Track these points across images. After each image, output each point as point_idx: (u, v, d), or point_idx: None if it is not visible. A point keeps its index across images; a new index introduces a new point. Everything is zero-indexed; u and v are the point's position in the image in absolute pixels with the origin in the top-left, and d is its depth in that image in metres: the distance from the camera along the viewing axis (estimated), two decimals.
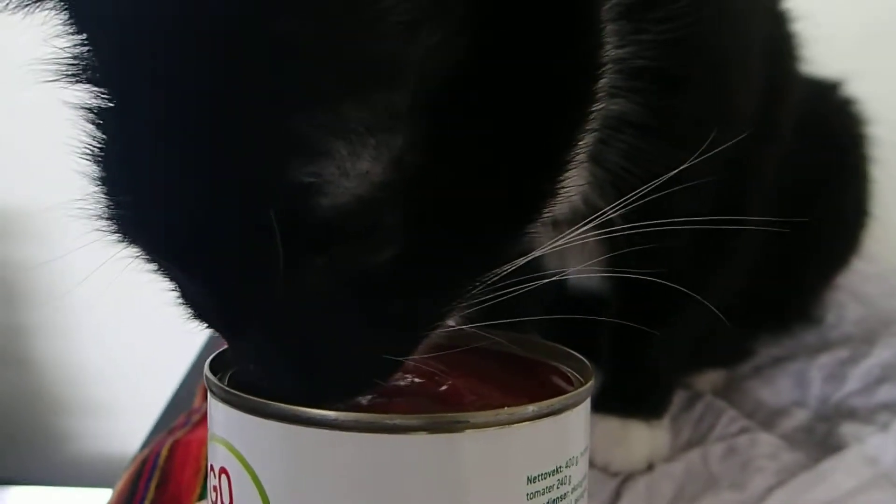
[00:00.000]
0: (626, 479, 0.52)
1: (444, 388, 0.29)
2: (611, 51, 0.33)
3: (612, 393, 0.54)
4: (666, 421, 0.56)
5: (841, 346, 0.68)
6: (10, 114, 1.05)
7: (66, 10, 0.25)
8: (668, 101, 0.39)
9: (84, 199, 0.27)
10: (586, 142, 0.31)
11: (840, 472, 0.51)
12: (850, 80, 0.68)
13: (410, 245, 0.26)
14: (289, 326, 0.25)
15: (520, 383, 0.30)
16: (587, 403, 0.27)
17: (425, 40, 0.24)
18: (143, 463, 0.49)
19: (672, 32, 0.37)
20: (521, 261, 0.30)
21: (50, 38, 0.26)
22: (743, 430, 0.57)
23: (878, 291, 0.79)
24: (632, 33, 0.36)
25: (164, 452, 0.49)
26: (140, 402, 0.95)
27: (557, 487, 0.25)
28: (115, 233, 0.27)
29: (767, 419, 0.61)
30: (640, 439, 0.54)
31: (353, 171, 0.24)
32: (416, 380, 0.30)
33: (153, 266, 0.28)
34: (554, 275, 0.38)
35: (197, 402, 0.66)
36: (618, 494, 0.51)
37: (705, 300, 0.42)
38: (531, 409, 0.24)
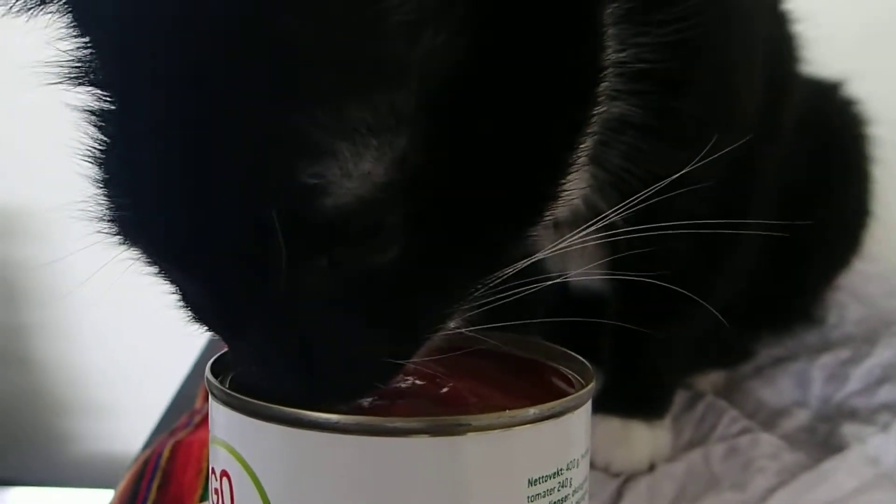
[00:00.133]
0: (628, 479, 0.52)
1: (445, 390, 0.29)
2: (612, 54, 0.33)
3: (613, 393, 0.54)
4: (667, 421, 0.56)
5: (842, 347, 0.68)
6: (13, 115, 1.05)
7: (68, 12, 0.25)
8: (669, 104, 0.39)
9: (85, 201, 0.28)
10: (588, 144, 0.31)
11: (841, 472, 0.51)
12: (850, 80, 0.68)
13: (412, 246, 0.26)
14: (289, 328, 0.25)
15: (521, 385, 0.30)
16: (588, 406, 0.27)
17: (427, 41, 0.24)
18: (145, 464, 0.49)
19: (674, 35, 0.37)
20: (523, 263, 0.30)
21: (52, 40, 0.26)
22: (744, 431, 0.57)
23: (880, 291, 0.79)
24: (633, 36, 0.36)
25: (165, 453, 0.49)
26: (141, 402, 0.95)
27: (559, 490, 0.25)
28: (115, 234, 0.27)
29: (769, 419, 0.61)
30: (641, 440, 0.54)
31: (355, 172, 0.24)
32: (418, 382, 0.30)
33: (154, 268, 0.28)
34: (556, 277, 0.38)
35: (198, 403, 0.66)
36: (619, 495, 0.51)
37: (706, 301, 0.42)
38: (532, 411, 0.25)
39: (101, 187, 0.27)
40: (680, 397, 0.61)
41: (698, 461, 0.54)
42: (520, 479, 0.24)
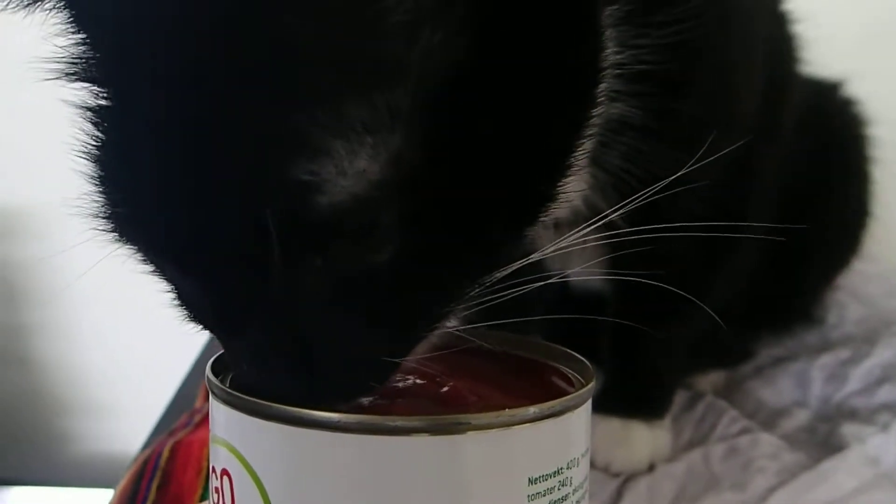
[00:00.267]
0: (628, 479, 0.52)
1: (445, 389, 0.29)
2: (612, 55, 0.33)
3: (613, 393, 0.54)
4: (667, 421, 0.56)
5: (842, 347, 0.68)
6: (12, 114, 1.05)
7: (66, 8, 0.25)
8: (669, 105, 0.39)
9: (82, 198, 0.27)
10: (587, 145, 0.31)
11: (841, 472, 0.51)
12: (850, 80, 0.68)
13: (408, 245, 0.26)
14: (285, 326, 0.25)
15: (521, 385, 0.30)
16: (588, 405, 0.27)
17: (426, 40, 0.24)
18: (145, 463, 0.49)
19: (673, 36, 0.37)
20: (521, 263, 0.30)
21: (49, 36, 0.26)
22: (744, 431, 0.57)
23: (879, 291, 0.79)
24: (633, 38, 0.36)
25: (165, 453, 0.49)
26: (141, 402, 0.95)
27: (559, 489, 0.25)
28: (111, 231, 0.27)
29: (768, 419, 0.61)
30: (641, 440, 0.54)
31: (350, 170, 0.24)
32: (418, 381, 0.30)
33: (149, 266, 0.28)
34: (555, 276, 0.38)
35: (198, 402, 0.66)
36: (619, 495, 0.51)
37: (706, 301, 0.42)
38: (532, 410, 0.25)
39: (98, 184, 0.27)
40: (680, 397, 0.61)
41: (698, 461, 0.54)
42: (520, 477, 0.24)
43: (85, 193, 0.27)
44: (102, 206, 0.27)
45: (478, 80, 0.26)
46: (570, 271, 0.47)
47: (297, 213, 0.23)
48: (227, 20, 0.22)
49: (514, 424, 0.24)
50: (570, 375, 0.30)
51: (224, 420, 0.26)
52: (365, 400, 0.28)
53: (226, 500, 0.25)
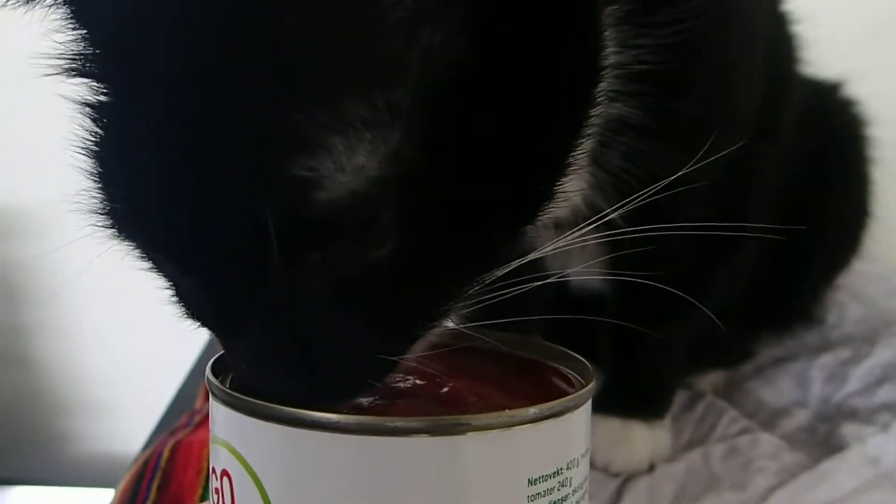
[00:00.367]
0: (628, 479, 0.52)
1: (445, 389, 0.29)
2: (612, 55, 0.33)
3: (612, 393, 0.54)
4: (667, 421, 0.56)
5: (842, 347, 0.68)
6: (12, 114, 1.05)
7: (65, 5, 0.25)
8: (668, 105, 0.39)
9: (80, 194, 0.27)
10: (586, 145, 0.31)
11: (841, 472, 0.51)
12: (850, 80, 0.68)
13: (407, 243, 0.26)
14: (285, 325, 0.25)
15: (521, 385, 0.30)
16: (588, 405, 0.27)
17: (425, 39, 0.24)
18: (145, 464, 0.49)
19: (673, 37, 0.37)
20: (519, 262, 0.30)
21: (49, 33, 0.26)
22: (744, 431, 0.57)
23: (879, 291, 0.79)
24: (633, 38, 0.36)
25: (165, 453, 0.49)
26: (141, 402, 0.95)
27: (559, 489, 0.25)
28: (110, 228, 0.27)
29: (768, 419, 0.61)
30: (641, 440, 0.54)
31: (348, 166, 0.24)
32: (418, 382, 0.30)
33: (148, 263, 0.28)
34: (554, 275, 0.38)
35: (198, 402, 0.66)
36: (619, 495, 0.51)
37: (706, 301, 0.42)
38: (532, 411, 0.25)
39: (97, 180, 0.27)
40: (680, 397, 0.61)
41: (698, 461, 0.54)
42: (520, 478, 0.24)
43: (84, 190, 0.27)
44: (101, 202, 0.27)
45: (478, 78, 0.26)
46: (569, 271, 0.47)
47: (296, 210, 0.23)
48: (226, 19, 0.22)
49: (514, 425, 0.24)
50: (569, 376, 0.30)
51: (224, 421, 0.26)
52: (365, 400, 0.28)
53: (226, 501, 0.25)
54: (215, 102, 0.23)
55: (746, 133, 0.43)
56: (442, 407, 0.28)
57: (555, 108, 0.29)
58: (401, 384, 0.30)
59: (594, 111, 0.30)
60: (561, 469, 0.25)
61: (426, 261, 0.26)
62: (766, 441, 0.56)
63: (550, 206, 0.30)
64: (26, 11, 0.25)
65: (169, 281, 0.28)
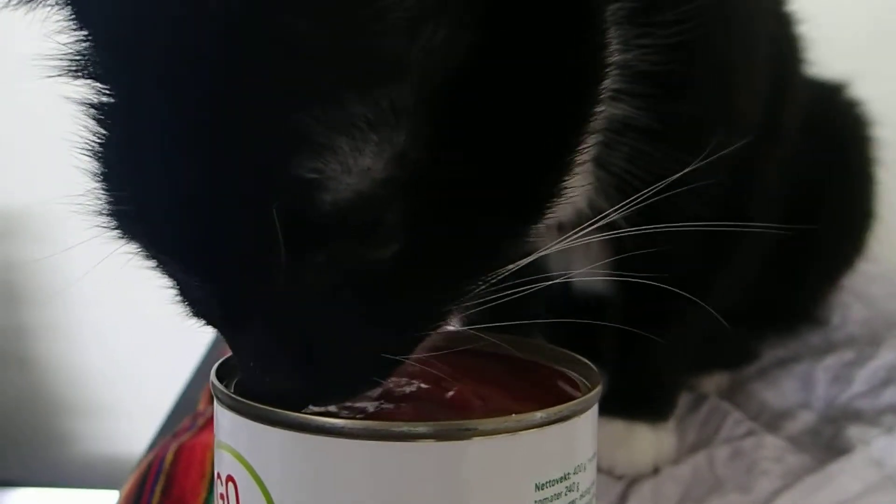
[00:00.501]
0: (632, 482, 0.52)
1: (450, 393, 0.29)
2: (614, 55, 0.33)
3: (616, 395, 0.53)
4: (671, 423, 0.56)
5: (846, 348, 0.68)
6: (13, 114, 1.05)
7: (67, 5, 0.25)
8: (671, 105, 0.39)
9: (83, 195, 0.27)
10: (589, 143, 0.31)
11: (846, 474, 0.50)
12: (855, 81, 0.67)
13: (411, 243, 0.26)
14: (289, 323, 0.25)
15: (526, 389, 0.30)
16: (595, 409, 0.27)
17: (428, 38, 0.24)
18: (149, 467, 0.49)
19: (676, 37, 0.37)
20: (523, 262, 0.30)
21: (51, 34, 0.26)
22: (749, 433, 0.57)
23: (883, 293, 0.78)
24: (635, 38, 0.36)
25: (168, 457, 0.49)
26: (142, 403, 0.95)
27: (566, 494, 0.25)
28: (114, 229, 0.27)
29: (773, 421, 0.61)
30: (645, 442, 0.54)
31: (354, 167, 0.24)
32: (422, 385, 0.30)
33: (152, 263, 0.28)
34: (557, 277, 0.38)
35: (201, 405, 0.66)
36: (623, 497, 0.50)
37: (709, 302, 0.42)
38: (539, 415, 0.24)
39: (100, 181, 0.27)
40: (683, 399, 0.61)
41: (703, 464, 0.53)
42: (527, 483, 0.24)
43: (88, 191, 0.27)
44: (106, 203, 0.27)
45: (481, 77, 0.26)
46: (572, 272, 0.46)
47: (302, 210, 0.23)
48: (227, 19, 0.22)
49: (520, 430, 0.24)
50: (576, 379, 0.30)
51: (229, 426, 0.25)
52: (370, 405, 0.28)
53: None
54: (218, 103, 0.23)
55: (749, 133, 0.43)
56: (447, 411, 0.28)
57: (559, 106, 0.28)
58: (405, 388, 0.30)
59: (598, 109, 0.30)
60: (568, 474, 0.25)
61: (431, 261, 0.26)
62: (771, 443, 0.55)
63: (555, 205, 0.30)
64: (28, 12, 0.25)
65: (173, 280, 0.28)
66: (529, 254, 0.31)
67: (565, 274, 0.46)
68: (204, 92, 0.23)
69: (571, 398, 0.27)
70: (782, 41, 0.54)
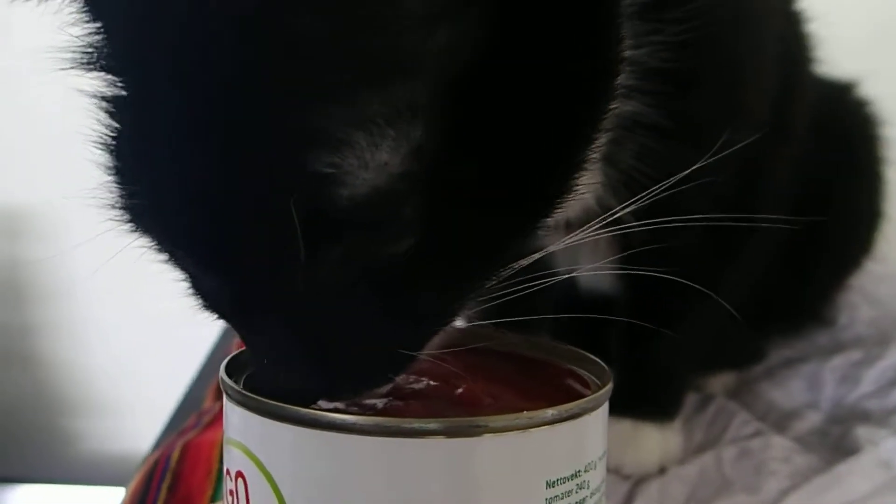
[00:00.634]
0: (639, 481, 0.52)
1: (460, 391, 0.29)
2: (627, 50, 0.33)
3: (623, 394, 0.53)
4: (678, 423, 0.56)
5: (854, 348, 0.67)
6: (17, 113, 1.05)
7: None
8: (681, 102, 0.39)
9: (95, 189, 0.27)
10: (602, 139, 0.31)
11: (854, 475, 0.50)
12: (864, 80, 0.67)
13: (426, 238, 0.26)
14: (304, 318, 0.25)
15: (536, 387, 0.30)
16: (605, 407, 0.27)
17: (444, 34, 0.24)
18: (155, 464, 0.49)
19: (687, 33, 0.37)
20: (535, 257, 0.30)
21: (55, 29, 0.26)
22: (756, 433, 0.57)
23: (891, 293, 0.78)
24: (646, 34, 0.36)
25: (175, 454, 0.49)
26: (147, 401, 0.95)
27: (576, 492, 0.25)
28: (128, 223, 0.27)
29: (780, 421, 0.60)
30: (651, 441, 0.54)
31: (372, 163, 0.24)
32: (432, 383, 0.30)
33: (164, 257, 0.28)
34: (565, 273, 0.38)
35: (207, 402, 0.66)
36: (630, 497, 0.50)
37: (718, 299, 0.42)
38: (550, 413, 0.24)
39: (114, 174, 0.27)
40: (690, 399, 0.60)
41: (710, 464, 0.53)
42: (537, 481, 0.24)
43: (100, 184, 0.27)
44: (119, 197, 0.27)
45: (497, 72, 0.26)
46: (580, 269, 0.46)
47: (318, 206, 0.23)
48: (242, 14, 0.22)
49: (531, 427, 0.24)
50: (585, 377, 0.30)
51: (238, 422, 0.25)
52: (379, 402, 0.28)
53: (240, 503, 0.25)
54: (234, 97, 0.23)
55: (758, 132, 0.43)
56: (457, 408, 0.28)
57: (574, 101, 0.28)
58: (415, 385, 0.30)
59: (612, 104, 0.30)
60: (579, 471, 0.25)
61: (446, 255, 0.26)
62: (779, 444, 0.55)
63: (567, 201, 0.30)
64: (38, 4, 0.25)
65: (185, 273, 0.28)
66: (538, 250, 0.31)
67: (573, 270, 0.46)
68: (219, 86, 0.23)
69: (582, 396, 0.26)
70: (791, 40, 0.54)
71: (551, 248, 0.32)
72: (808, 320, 0.71)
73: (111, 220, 0.27)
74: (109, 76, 0.26)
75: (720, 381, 0.66)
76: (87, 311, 1.28)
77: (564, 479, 0.25)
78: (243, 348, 0.29)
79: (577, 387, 0.30)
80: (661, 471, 0.53)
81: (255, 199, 0.23)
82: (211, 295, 0.28)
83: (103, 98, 0.27)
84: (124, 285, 0.86)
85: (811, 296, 0.69)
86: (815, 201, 0.58)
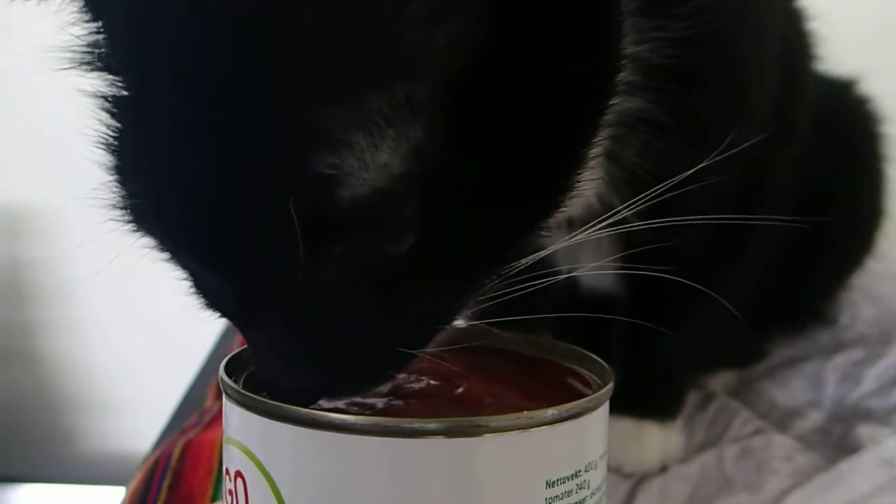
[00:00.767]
0: (640, 480, 0.52)
1: (460, 390, 0.29)
2: (630, 46, 0.33)
3: (624, 393, 0.53)
4: (679, 422, 0.56)
5: (855, 347, 0.67)
6: (18, 114, 1.06)
7: None
8: (684, 100, 0.39)
9: (96, 189, 0.27)
10: (603, 137, 0.31)
11: (856, 474, 0.50)
12: (865, 78, 0.67)
13: (427, 237, 0.26)
14: (306, 317, 0.25)
15: (537, 386, 0.30)
16: (606, 407, 0.27)
17: (444, 33, 0.24)
18: (156, 463, 0.49)
19: (690, 30, 0.36)
20: (536, 256, 0.30)
21: (56, 28, 0.26)
22: (757, 432, 0.57)
23: (893, 291, 0.78)
24: (649, 30, 0.36)
25: (176, 453, 0.49)
26: (148, 399, 0.95)
27: (577, 492, 0.25)
28: (129, 223, 0.27)
29: (782, 420, 0.60)
30: (653, 440, 0.54)
31: (372, 163, 0.23)
32: (432, 382, 0.30)
33: (166, 256, 0.28)
34: (566, 272, 0.38)
35: (208, 401, 0.66)
36: (631, 496, 0.50)
37: (719, 298, 0.42)
38: (550, 412, 0.24)
39: (115, 174, 0.27)
40: (691, 398, 0.60)
41: (711, 462, 0.53)
42: (538, 480, 0.24)
43: (102, 184, 0.27)
44: (120, 196, 0.27)
45: (497, 70, 0.26)
46: (582, 268, 0.46)
47: (319, 206, 0.23)
48: (243, 14, 0.22)
49: (531, 427, 0.24)
50: (586, 377, 0.30)
51: (238, 421, 0.25)
52: (379, 402, 0.28)
53: (240, 502, 0.25)
54: (234, 97, 0.23)
55: (760, 130, 0.43)
56: (457, 408, 0.28)
57: (575, 98, 0.28)
58: (415, 385, 0.29)
59: (613, 102, 0.30)
60: (579, 471, 0.25)
61: (447, 254, 0.26)
62: (780, 442, 0.55)
63: (568, 198, 0.29)
64: (39, 3, 0.25)
65: (187, 272, 0.28)
66: (540, 249, 0.31)
67: (574, 269, 0.46)
68: (220, 86, 0.23)
69: (583, 395, 0.26)
70: (793, 38, 0.54)
71: (553, 248, 0.32)
72: (810, 319, 0.71)
73: (112, 219, 0.27)
74: (110, 76, 0.26)
75: (722, 380, 0.65)
76: (88, 309, 1.28)
77: (565, 479, 0.24)
78: (242, 347, 0.29)
79: (578, 386, 0.30)
80: (663, 470, 0.53)
81: (256, 198, 0.23)
82: (212, 294, 0.28)
83: (104, 98, 0.27)
84: (125, 284, 0.86)
85: (812, 294, 0.69)
86: (816, 199, 0.58)
